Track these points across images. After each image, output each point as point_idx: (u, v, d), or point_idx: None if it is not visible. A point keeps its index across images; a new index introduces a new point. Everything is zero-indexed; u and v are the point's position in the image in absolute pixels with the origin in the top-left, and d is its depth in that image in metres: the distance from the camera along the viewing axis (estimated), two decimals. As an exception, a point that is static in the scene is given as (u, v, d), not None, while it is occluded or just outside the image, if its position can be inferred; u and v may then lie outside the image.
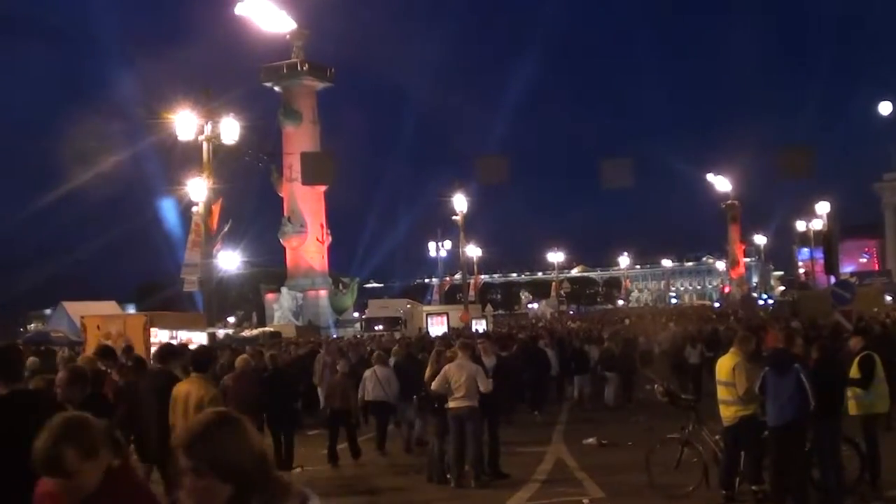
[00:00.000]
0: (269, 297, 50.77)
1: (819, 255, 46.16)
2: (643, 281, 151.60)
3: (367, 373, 11.31)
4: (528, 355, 15.48)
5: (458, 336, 22.28)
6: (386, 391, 11.07)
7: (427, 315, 39.74)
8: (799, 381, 6.81)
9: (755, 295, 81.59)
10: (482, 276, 69.44)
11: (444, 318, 38.04)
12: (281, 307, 48.16)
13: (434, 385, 9.02)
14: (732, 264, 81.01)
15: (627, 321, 36.95)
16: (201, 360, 6.61)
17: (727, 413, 7.52)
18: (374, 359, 11.50)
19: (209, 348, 12.68)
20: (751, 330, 11.30)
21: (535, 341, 17.26)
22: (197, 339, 18.09)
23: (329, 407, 10.97)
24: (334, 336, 36.51)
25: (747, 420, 7.32)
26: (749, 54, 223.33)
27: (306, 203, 50.07)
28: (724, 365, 7.66)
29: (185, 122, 19.62)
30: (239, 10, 42.14)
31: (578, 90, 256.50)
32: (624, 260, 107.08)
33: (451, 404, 8.90)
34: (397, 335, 28.15)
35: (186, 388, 6.17)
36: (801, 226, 58.05)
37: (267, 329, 35.92)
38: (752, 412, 7.31)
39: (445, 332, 31.24)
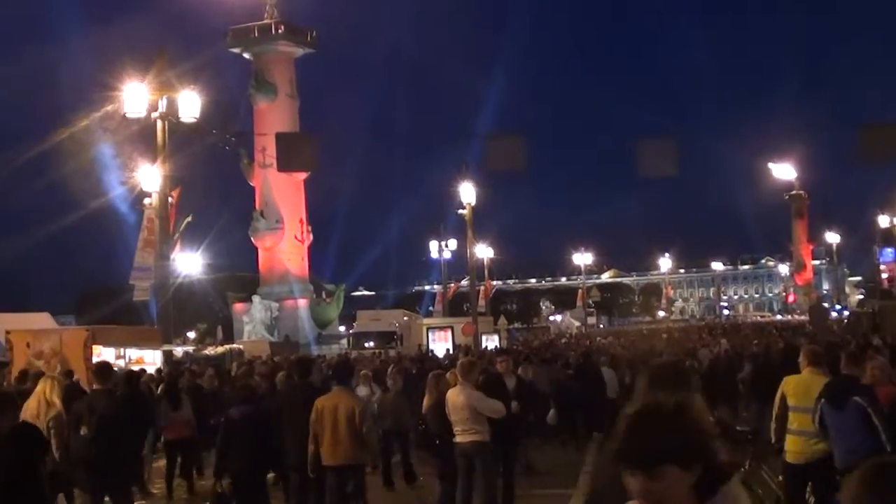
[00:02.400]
0: (238, 307, 50.78)
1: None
2: (688, 288, 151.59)
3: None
4: (582, 375, 15.49)
5: (466, 354, 22.20)
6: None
7: (428, 329, 39.66)
8: (864, 417, 6.60)
9: (826, 305, 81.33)
10: (494, 282, 69.40)
11: (449, 333, 37.95)
12: (252, 319, 48.18)
13: (430, 417, 8.94)
14: (798, 268, 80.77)
15: (665, 337, 36.87)
16: (343, 373, 8.74)
17: (800, 448, 7.27)
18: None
19: (349, 361, 15.81)
20: (825, 347, 11.14)
21: (589, 358, 17.67)
22: (150, 357, 18.07)
23: (380, 427, 11.27)
24: (315, 353, 36.48)
25: (824, 457, 7.10)
26: (820, 8, 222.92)
27: (283, 194, 50.10)
28: (804, 387, 7.39)
29: (134, 96, 19.59)
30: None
31: (609, 59, 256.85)
32: (665, 263, 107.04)
33: (455, 439, 8.82)
34: (392, 353, 28.09)
35: (333, 401, 7.79)
36: (883, 221, 57.77)
37: (235, 346, 35.84)
38: (831, 448, 7.12)
39: (450, 350, 31.17)
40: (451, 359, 20.12)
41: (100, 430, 7.49)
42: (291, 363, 12.06)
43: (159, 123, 20.07)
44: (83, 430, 7.56)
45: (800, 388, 7.32)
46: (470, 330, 35.64)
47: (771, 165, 69.82)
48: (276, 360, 20.31)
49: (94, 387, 8.10)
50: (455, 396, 8.81)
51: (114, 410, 7.66)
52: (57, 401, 7.84)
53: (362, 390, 12.31)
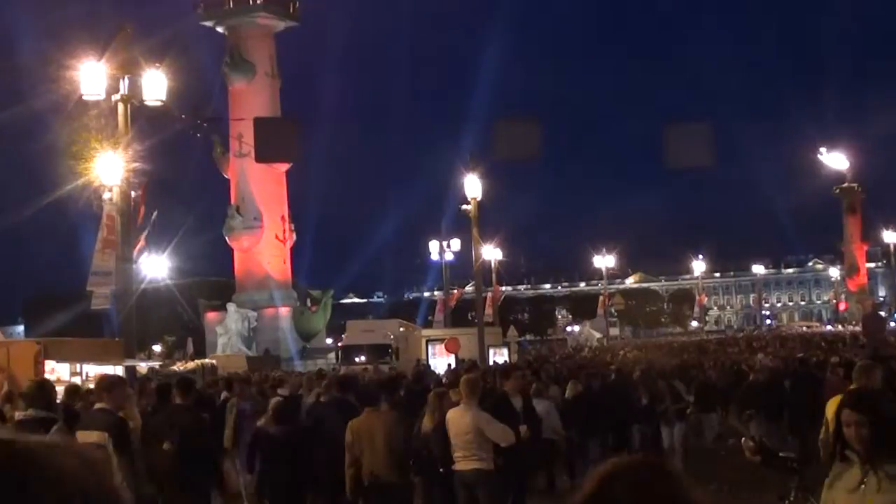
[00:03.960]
0: (211, 316, 50.83)
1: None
2: (725, 295, 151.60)
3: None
4: (611, 393, 15.55)
5: (471, 369, 22.11)
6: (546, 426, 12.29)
7: (427, 342, 39.63)
8: None
9: (883, 314, 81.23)
10: (503, 288, 69.35)
11: (456, 343, 37.89)
12: (227, 331, 48.22)
13: (434, 441, 8.94)
14: (850, 271, 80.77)
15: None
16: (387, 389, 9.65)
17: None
18: (533, 392, 12.94)
19: (395, 377, 17.24)
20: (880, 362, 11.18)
21: (621, 375, 17.82)
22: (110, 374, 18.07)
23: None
24: (299, 369, 36.42)
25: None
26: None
27: (262, 187, 50.15)
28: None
29: (92, 76, 19.60)
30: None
31: (634, 35, 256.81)
32: (698, 266, 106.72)
33: (455, 466, 8.80)
34: (386, 369, 28.06)
35: (371, 421, 8.58)
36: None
37: (208, 361, 35.91)
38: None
39: (452, 365, 31.12)
40: (452, 375, 20.06)
41: (183, 444, 8.45)
42: (333, 379, 12.97)
43: (121, 107, 20.04)
44: (165, 445, 8.50)
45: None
46: (455, 347, 35.33)
47: (820, 155, 69.94)
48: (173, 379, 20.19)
49: (177, 401, 9.07)
50: (458, 417, 8.78)
51: (195, 424, 8.76)
52: (137, 416, 8.71)
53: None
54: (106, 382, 8.01)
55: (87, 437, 7.32)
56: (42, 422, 7.14)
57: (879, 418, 4.03)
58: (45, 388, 7.89)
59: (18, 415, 7.65)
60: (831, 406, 7.71)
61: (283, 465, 8.74)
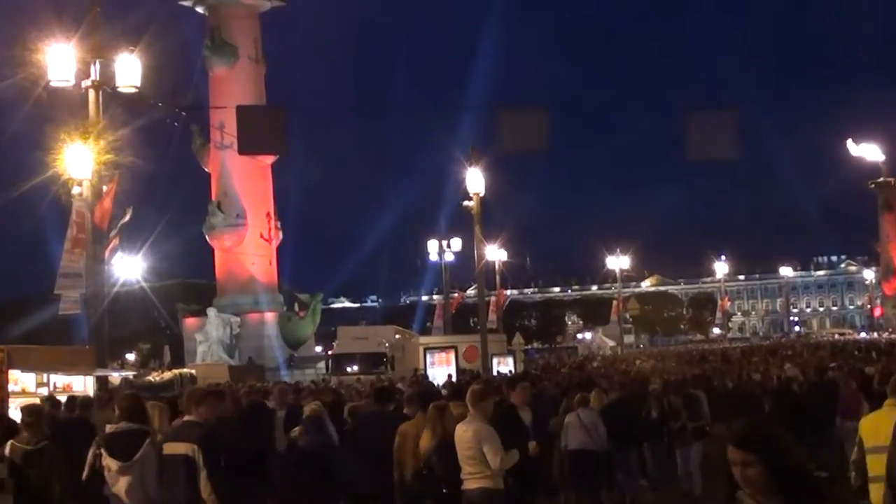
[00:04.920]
0: (190, 322, 50.85)
1: None
2: (749, 299, 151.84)
3: (569, 417, 13.08)
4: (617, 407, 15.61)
5: (473, 380, 22.03)
6: (593, 437, 12.66)
7: (425, 350, 39.65)
8: None
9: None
10: (508, 292, 69.50)
11: (452, 355, 37.94)
12: (207, 338, 48.24)
13: (436, 459, 8.93)
14: (886, 274, 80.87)
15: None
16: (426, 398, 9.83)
17: (881, 497, 7.31)
18: (577, 401, 13.44)
19: (431, 386, 17.27)
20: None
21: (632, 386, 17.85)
22: (79, 385, 18.04)
23: None
24: (286, 379, 36.41)
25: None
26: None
27: (245, 182, 50.17)
28: (877, 423, 7.43)
29: (60, 60, 19.59)
30: None
31: (651, 15, 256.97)
32: (720, 267, 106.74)
33: (463, 486, 8.81)
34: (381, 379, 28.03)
35: (415, 428, 9.10)
36: None
37: (186, 370, 35.94)
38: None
39: (453, 376, 31.12)
40: (452, 386, 20.03)
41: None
42: (373, 390, 13.40)
43: (91, 94, 20.03)
44: None
45: (873, 425, 7.39)
46: (474, 355, 35.47)
47: (852, 146, 69.89)
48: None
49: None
50: (462, 431, 8.79)
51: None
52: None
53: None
54: (197, 394, 8.45)
55: (175, 448, 7.72)
56: (134, 435, 7.60)
57: (771, 457, 3.78)
58: (139, 400, 8.39)
59: (109, 427, 7.96)
60: (866, 423, 7.66)
61: (312, 480, 8.86)
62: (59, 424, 11.44)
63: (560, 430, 12.73)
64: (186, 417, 8.11)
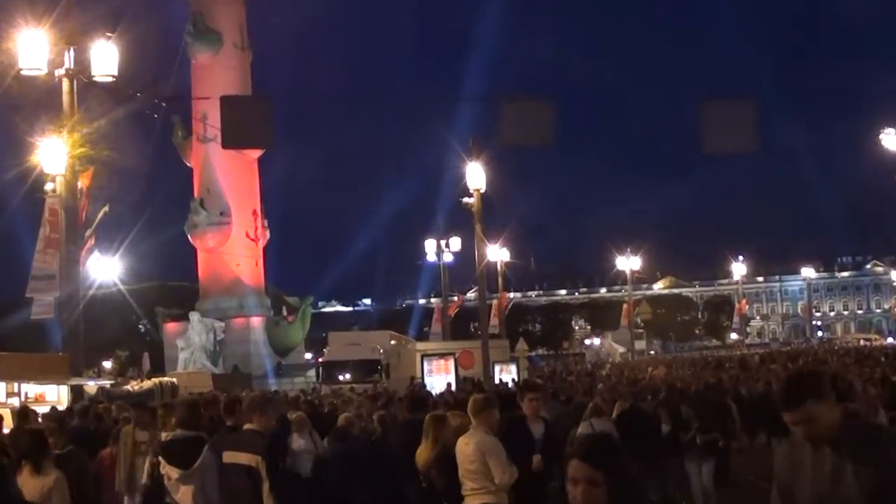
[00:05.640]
0: (171, 327, 50.86)
1: None
2: (769, 302, 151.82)
3: (582, 427, 12.99)
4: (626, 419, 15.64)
5: (474, 389, 21.98)
6: None
7: (423, 357, 39.66)
8: None
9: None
10: (511, 295, 69.49)
11: (451, 363, 37.98)
12: (189, 344, 48.23)
13: (435, 473, 8.94)
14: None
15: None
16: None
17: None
18: (590, 411, 13.42)
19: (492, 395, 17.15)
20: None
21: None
22: (53, 394, 18.07)
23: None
24: (273, 388, 36.37)
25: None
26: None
27: (230, 178, 50.17)
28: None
29: (31, 47, 19.58)
30: None
31: (662, 1, 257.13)
32: (738, 268, 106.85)
33: (465, 502, 8.83)
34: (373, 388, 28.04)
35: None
36: None
37: (167, 379, 35.87)
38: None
39: (452, 385, 31.15)
40: (450, 397, 20.07)
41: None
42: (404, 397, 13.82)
43: (65, 83, 20.05)
44: None
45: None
46: (470, 361, 35.43)
47: (881, 138, 69.78)
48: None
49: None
50: (463, 443, 8.80)
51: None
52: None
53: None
54: (258, 403, 8.55)
55: (236, 458, 7.90)
56: (191, 442, 7.83)
57: (618, 477, 3.47)
58: (196, 407, 8.70)
59: (166, 435, 8.25)
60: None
61: (337, 491, 9.18)
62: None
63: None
64: (247, 426, 8.25)
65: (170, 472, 7.82)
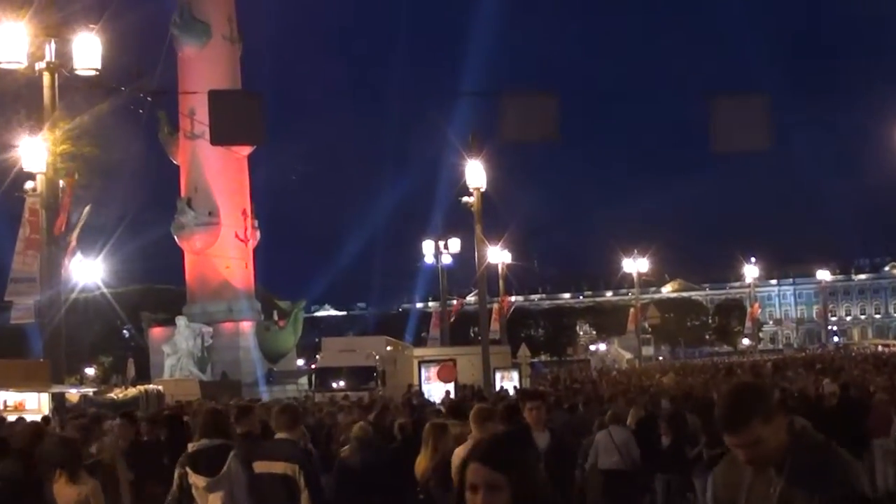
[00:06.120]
0: (157, 332, 50.80)
1: None
2: (782, 305, 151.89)
3: (600, 435, 13.58)
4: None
5: (474, 397, 21.94)
6: (625, 457, 13.23)
7: (420, 363, 39.64)
8: None
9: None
10: (512, 298, 69.46)
11: (451, 369, 37.94)
12: (176, 350, 48.19)
13: (434, 484, 8.94)
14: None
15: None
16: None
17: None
18: (609, 418, 13.98)
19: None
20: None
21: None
22: (33, 402, 18.06)
23: None
24: (264, 397, 36.30)
25: None
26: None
27: (219, 176, 50.14)
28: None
29: (11, 39, 19.59)
30: None
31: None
32: (750, 271, 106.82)
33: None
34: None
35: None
36: None
37: (152, 387, 35.87)
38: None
39: (451, 393, 31.13)
40: (449, 405, 20.01)
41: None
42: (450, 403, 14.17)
43: (46, 77, 20.04)
44: None
45: None
46: (448, 374, 35.22)
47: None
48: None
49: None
50: (462, 455, 8.79)
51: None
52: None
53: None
54: (289, 412, 8.85)
55: (271, 467, 8.15)
56: (218, 450, 7.96)
57: (523, 483, 3.21)
58: (220, 416, 8.86)
59: (192, 446, 8.32)
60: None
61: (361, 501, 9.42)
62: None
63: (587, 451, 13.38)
64: (279, 435, 8.53)
65: (197, 481, 7.95)
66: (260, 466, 8.13)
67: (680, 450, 15.11)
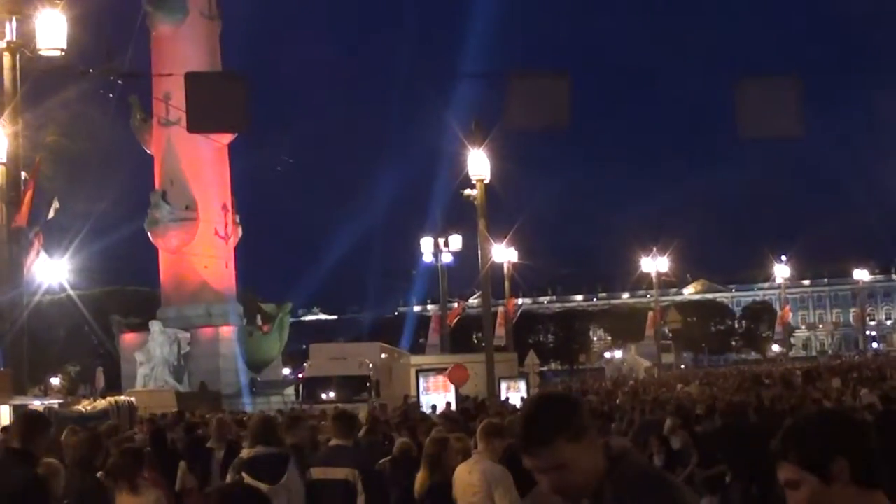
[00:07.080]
0: (129, 338, 50.86)
1: None
2: (816, 309, 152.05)
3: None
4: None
5: (479, 409, 21.91)
6: None
7: (418, 372, 39.67)
8: None
9: None
10: (519, 301, 69.56)
11: (463, 371, 37.98)
12: (150, 357, 48.24)
13: (430, 502, 8.97)
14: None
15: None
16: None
17: None
18: (669, 428, 14.65)
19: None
20: None
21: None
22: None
23: None
24: (247, 409, 36.34)
25: None
26: None
27: (197, 167, 50.21)
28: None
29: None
30: None
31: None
32: (781, 271, 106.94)
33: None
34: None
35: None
36: None
37: (123, 398, 35.89)
38: None
39: (452, 404, 31.17)
40: (449, 417, 20.06)
41: None
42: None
43: (7, 58, 20.10)
44: None
45: None
46: (462, 376, 35.12)
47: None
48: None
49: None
50: (465, 472, 8.82)
51: None
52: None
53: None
54: (345, 420, 9.67)
55: (332, 473, 8.88)
56: (275, 459, 8.51)
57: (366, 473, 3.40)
58: (271, 423, 9.48)
59: (246, 453, 8.83)
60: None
61: None
62: None
63: None
64: (334, 441, 9.42)
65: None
66: (318, 473, 8.89)
67: (672, 472, 14.92)
